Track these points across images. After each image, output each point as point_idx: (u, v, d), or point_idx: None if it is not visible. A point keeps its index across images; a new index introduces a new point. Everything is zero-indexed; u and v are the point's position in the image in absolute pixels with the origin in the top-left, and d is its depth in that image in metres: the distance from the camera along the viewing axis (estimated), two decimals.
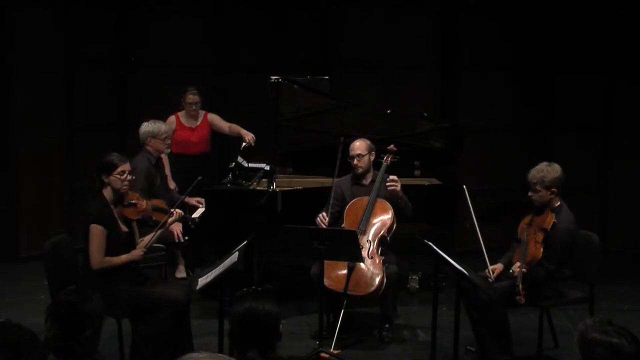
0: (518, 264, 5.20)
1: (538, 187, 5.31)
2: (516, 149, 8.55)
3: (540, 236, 5.25)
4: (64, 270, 5.21)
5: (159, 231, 5.25)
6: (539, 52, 8.53)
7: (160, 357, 4.92)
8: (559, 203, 5.36)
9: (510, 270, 5.25)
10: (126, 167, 5.12)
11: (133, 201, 5.18)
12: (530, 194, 5.37)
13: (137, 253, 5.13)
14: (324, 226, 5.85)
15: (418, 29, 8.62)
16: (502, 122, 8.61)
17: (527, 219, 5.44)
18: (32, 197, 7.99)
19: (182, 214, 5.57)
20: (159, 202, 5.57)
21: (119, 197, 5.13)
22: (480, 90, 8.50)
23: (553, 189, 5.31)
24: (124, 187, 5.11)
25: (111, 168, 5.06)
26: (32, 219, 7.97)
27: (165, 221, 5.29)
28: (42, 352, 2.93)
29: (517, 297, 5.04)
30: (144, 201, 5.29)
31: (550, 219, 5.27)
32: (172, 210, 5.41)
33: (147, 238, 5.23)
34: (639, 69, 8.25)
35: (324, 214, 5.93)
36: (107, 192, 5.09)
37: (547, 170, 5.31)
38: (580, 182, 8.35)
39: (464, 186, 5.69)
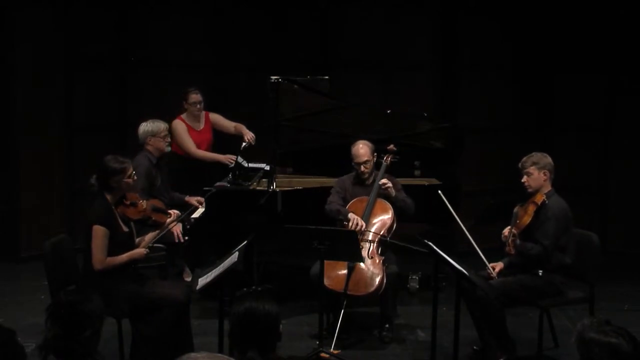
0: (509, 227, 5.38)
1: (531, 170, 5.39)
2: (516, 149, 8.46)
3: (531, 207, 5.34)
4: (64, 270, 5.22)
5: (159, 232, 5.29)
6: (539, 52, 8.52)
7: (160, 357, 4.92)
8: (550, 189, 5.43)
9: (502, 232, 5.42)
10: (131, 166, 5.18)
11: (134, 201, 5.20)
12: (524, 180, 5.43)
13: (139, 252, 5.14)
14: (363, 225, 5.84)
15: (418, 29, 8.61)
16: (502, 122, 8.61)
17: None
18: (32, 197, 7.98)
19: (180, 214, 5.58)
20: (156, 202, 5.57)
21: (120, 197, 5.15)
22: (480, 90, 8.50)
23: (545, 171, 5.38)
24: (132, 187, 5.16)
25: (121, 172, 5.08)
26: (32, 219, 7.96)
27: (165, 223, 5.33)
28: (23, 351, 2.94)
29: (507, 248, 5.32)
30: (144, 201, 5.31)
31: (540, 196, 5.36)
32: (170, 211, 5.45)
33: (148, 237, 5.26)
34: (639, 69, 8.24)
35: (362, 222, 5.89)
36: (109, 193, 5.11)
37: (537, 156, 5.46)
38: (580, 182, 8.36)
39: (439, 191, 5.68)
